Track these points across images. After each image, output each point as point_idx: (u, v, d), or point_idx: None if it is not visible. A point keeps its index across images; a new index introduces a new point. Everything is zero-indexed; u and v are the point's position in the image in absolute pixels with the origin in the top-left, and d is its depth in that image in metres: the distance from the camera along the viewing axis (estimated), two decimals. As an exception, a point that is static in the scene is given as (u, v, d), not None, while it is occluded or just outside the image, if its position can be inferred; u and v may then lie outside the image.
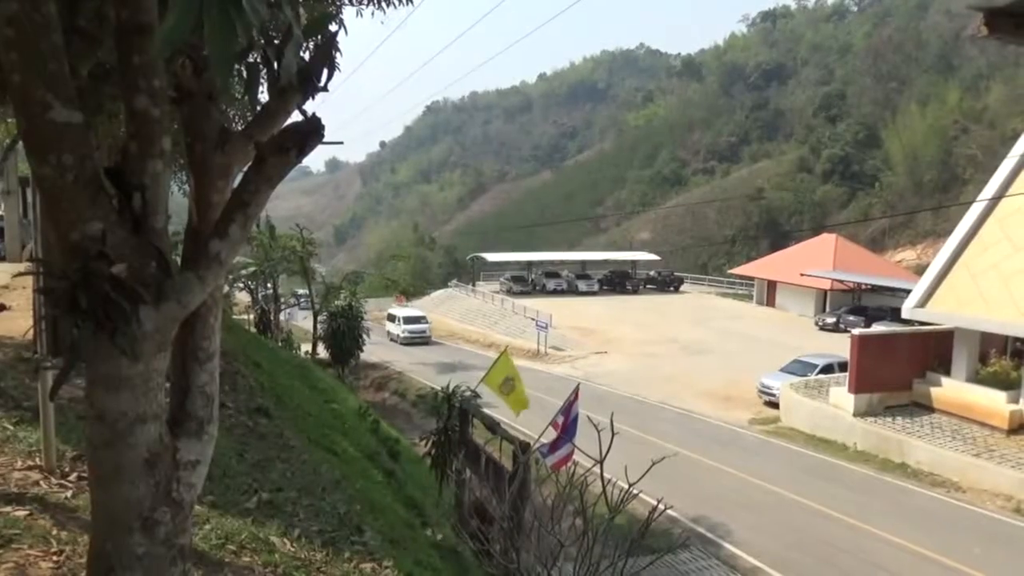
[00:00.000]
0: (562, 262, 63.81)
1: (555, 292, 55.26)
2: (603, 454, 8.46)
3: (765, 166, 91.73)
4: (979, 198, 22.30)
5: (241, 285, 38.67)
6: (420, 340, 42.60)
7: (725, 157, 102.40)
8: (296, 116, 2.73)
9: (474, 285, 57.58)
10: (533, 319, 40.30)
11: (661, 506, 8.31)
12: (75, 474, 4.51)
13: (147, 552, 2.53)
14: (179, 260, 2.65)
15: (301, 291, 40.22)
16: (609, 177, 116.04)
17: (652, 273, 61.26)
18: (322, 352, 32.36)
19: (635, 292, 57.22)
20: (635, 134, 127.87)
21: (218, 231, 2.55)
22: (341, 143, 3.05)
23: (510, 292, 53.81)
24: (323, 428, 10.38)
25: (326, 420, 11.73)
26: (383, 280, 44.24)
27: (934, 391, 21.95)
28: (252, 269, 35.83)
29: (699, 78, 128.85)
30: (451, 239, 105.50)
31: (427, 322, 44.18)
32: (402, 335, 43.22)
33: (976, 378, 21.38)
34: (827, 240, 51.29)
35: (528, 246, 74.45)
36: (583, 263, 63.45)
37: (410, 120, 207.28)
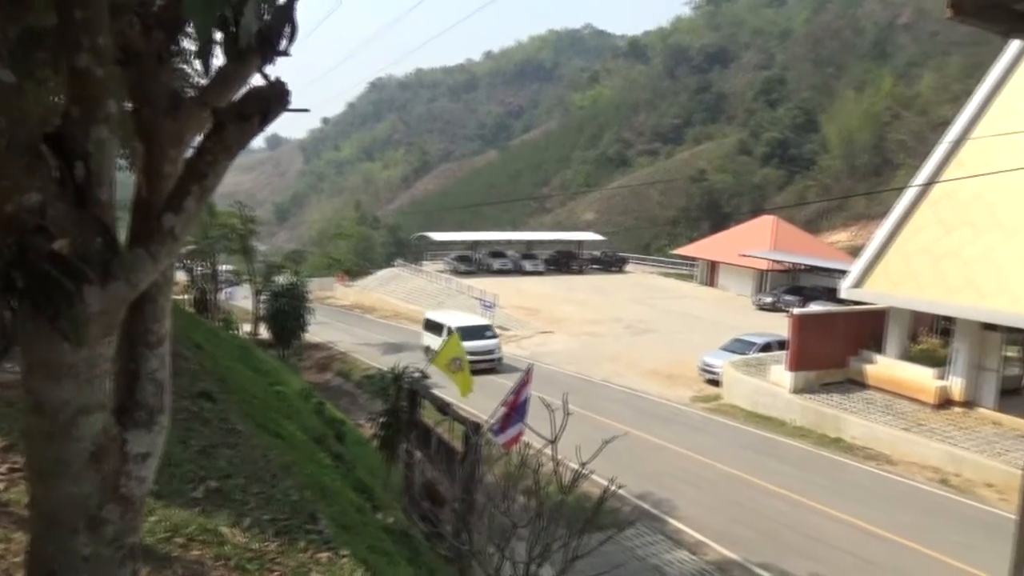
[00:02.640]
0: (508, 242, 63.77)
1: (501, 272, 55.25)
2: (556, 434, 8.49)
3: (707, 148, 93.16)
4: (912, 183, 23.05)
5: (178, 264, 37.44)
6: (488, 366, 28.13)
7: (669, 139, 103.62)
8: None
9: (419, 265, 57.10)
10: (479, 299, 40.23)
11: (613, 486, 8.41)
12: (6, 465, 4.23)
13: (94, 553, 2.34)
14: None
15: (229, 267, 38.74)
16: (555, 157, 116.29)
17: (597, 253, 61.81)
18: (263, 332, 31.66)
19: (580, 272, 57.67)
20: (581, 114, 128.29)
21: (171, 204, 2.34)
22: (307, 111, 2.85)
23: (456, 272, 53.54)
24: (268, 411, 10.09)
25: (271, 403, 11.41)
26: (326, 259, 43.05)
27: (868, 368, 22.74)
28: (190, 247, 34.71)
29: (644, 60, 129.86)
30: (395, 218, 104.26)
31: (495, 335, 30.33)
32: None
33: (907, 356, 22.24)
34: (766, 222, 52.45)
35: (474, 226, 74.17)
36: (529, 243, 63.51)
37: (353, 96, 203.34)
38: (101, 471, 2.34)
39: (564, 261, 58.70)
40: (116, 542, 2.39)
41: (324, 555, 4.34)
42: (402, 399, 13.46)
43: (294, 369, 25.23)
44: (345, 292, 53.89)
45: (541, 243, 63.93)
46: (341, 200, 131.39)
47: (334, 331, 38.33)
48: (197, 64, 2.88)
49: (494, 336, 29.98)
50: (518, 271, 55.97)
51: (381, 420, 13.63)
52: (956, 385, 20.83)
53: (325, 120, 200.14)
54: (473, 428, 9.83)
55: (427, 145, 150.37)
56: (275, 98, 2.38)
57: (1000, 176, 17.34)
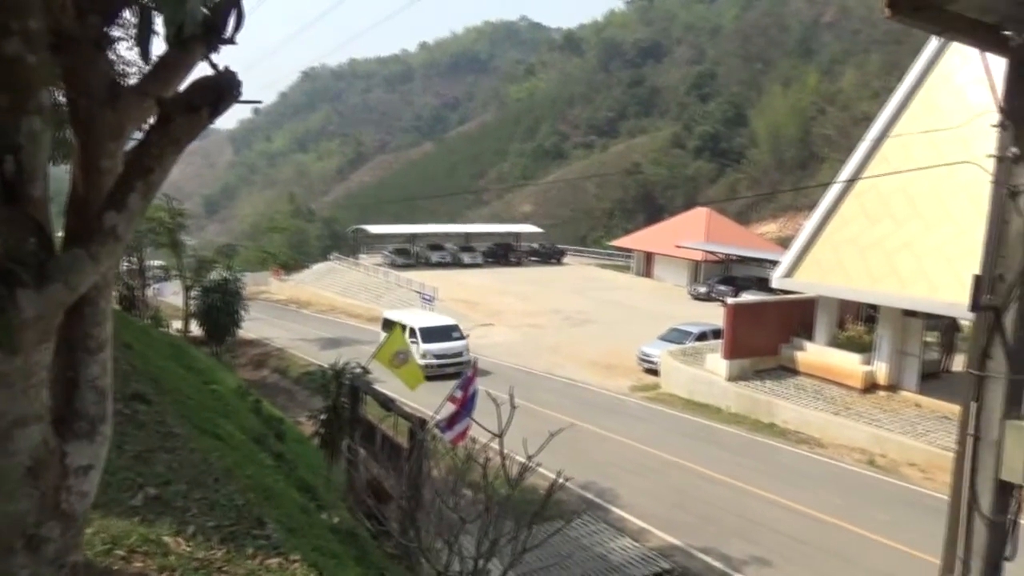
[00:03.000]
0: (446, 235, 63.45)
1: (439, 265, 54.98)
2: (503, 428, 8.48)
3: (642, 141, 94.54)
4: (838, 176, 23.88)
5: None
6: (453, 369, 25.21)
7: (604, 132, 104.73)
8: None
9: (356, 258, 56.29)
10: (418, 292, 39.94)
11: (561, 479, 8.46)
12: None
13: (33, 574, 2.19)
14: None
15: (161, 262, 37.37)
16: (491, 149, 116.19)
17: (535, 245, 62.11)
18: (195, 329, 30.68)
19: (519, 264, 57.86)
20: (517, 107, 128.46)
21: (114, 201, 2.20)
22: (259, 103, 2.73)
23: (394, 265, 53.03)
24: (205, 412, 9.76)
25: (207, 403, 11.04)
26: (260, 253, 41.83)
27: (799, 355, 23.49)
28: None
29: (579, 53, 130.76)
30: (330, 210, 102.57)
31: (463, 336, 27.87)
32: (423, 362, 23.11)
33: (835, 342, 23.04)
34: (700, 214, 53.61)
35: (411, 218, 73.57)
36: (467, 236, 63.36)
37: (285, 86, 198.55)
38: (39, 486, 2.19)
39: (503, 253, 58.78)
40: (57, 561, 2.24)
41: (274, 561, 4.21)
42: (343, 395, 13.23)
43: (228, 367, 24.54)
44: (280, 287, 52.74)
45: (479, 235, 63.84)
46: (274, 192, 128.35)
47: (269, 327, 37.46)
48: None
49: (462, 337, 27.63)
50: (457, 264, 55.79)
51: (322, 417, 13.37)
52: (881, 370, 21.71)
53: (256, 110, 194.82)
54: (419, 424, 9.72)
55: (362, 136, 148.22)
56: (225, 89, 2.26)
57: (920, 171, 18.09)
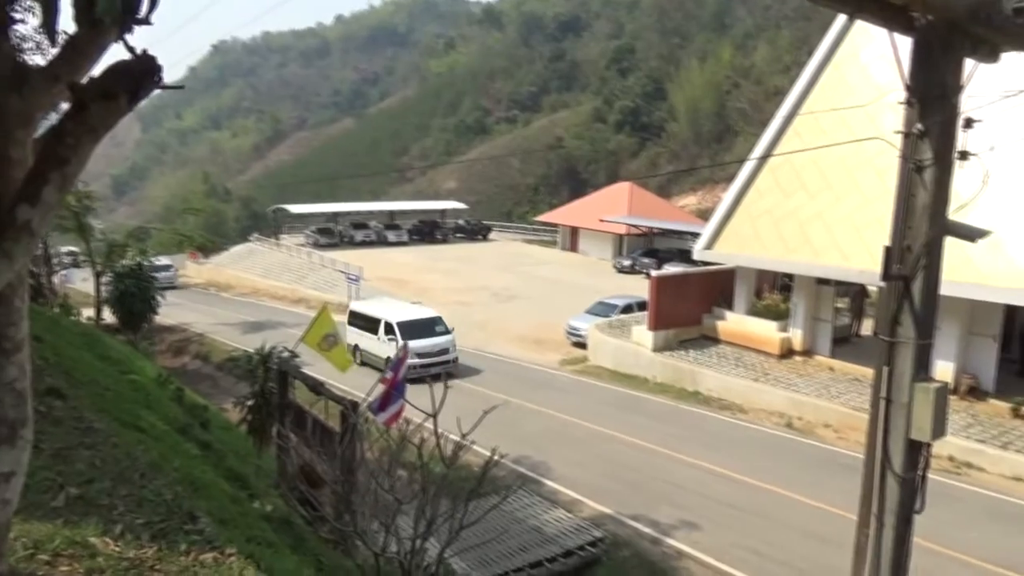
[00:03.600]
0: (370, 213, 62.51)
1: (364, 243, 54.23)
2: (436, 407, 8.47)
3: (564, 116, 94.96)
4: (753, 150, 24.62)
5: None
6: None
7: (527, 107, 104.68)
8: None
9: (277, 238, 54.86)
10: (343, 272, 39.28)
11: (496, 456, 8.53)
12: None
13: (-45, 589, 2.08)
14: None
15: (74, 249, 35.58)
16: (413, 125, 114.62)
17: (461, 222, 61.86)
18: (108, 317, 29.32)
19: (445, 241, 57.58)
20: (438, 81, 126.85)
21: (27, 194, 2.07)
22: (182, 87, 2.60)
23: (317, 245, 51.95)
24: (125, 403, 9.38)
25: (126, 394, 10.60)
26: (175, 235, 40.15)
27: (720, 324, 24.28)
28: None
29: (499, 27, 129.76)
30: (248, 190, 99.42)
31: (447, 330, 25.02)
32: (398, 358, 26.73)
33: (753, 311, 23.91)
34: (622, 188, 54.42)
35: (333, 196, 71.93)
36: (392, 213, 62.53)
37: (195, 60, 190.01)
38: (-42, 498, 2.07)
39: (428, 230, 58.36)
40: (-19, 575, 2.13)
41: (208, 556, 4.11)
42: (271, 380, 12.94)
43: (146, 355, 23.59)
44: (198, 270, 51.00)
45: (404, 213, 63.14)
46: (187, 172, 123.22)
47: (188, 312, 36.19)
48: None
49: (447, 330, 24.56)
50: (382, 242, 55.13)
51: (249, 404, 13.05)
52: (796, 336, 22.68)
53: (165, 86, 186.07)
54: (351, 407, 9.62)
55: (279, 113, 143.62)
56: (144, 74, 2.15)
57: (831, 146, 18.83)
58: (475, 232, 60.16)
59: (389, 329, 24.14)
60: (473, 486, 8.38)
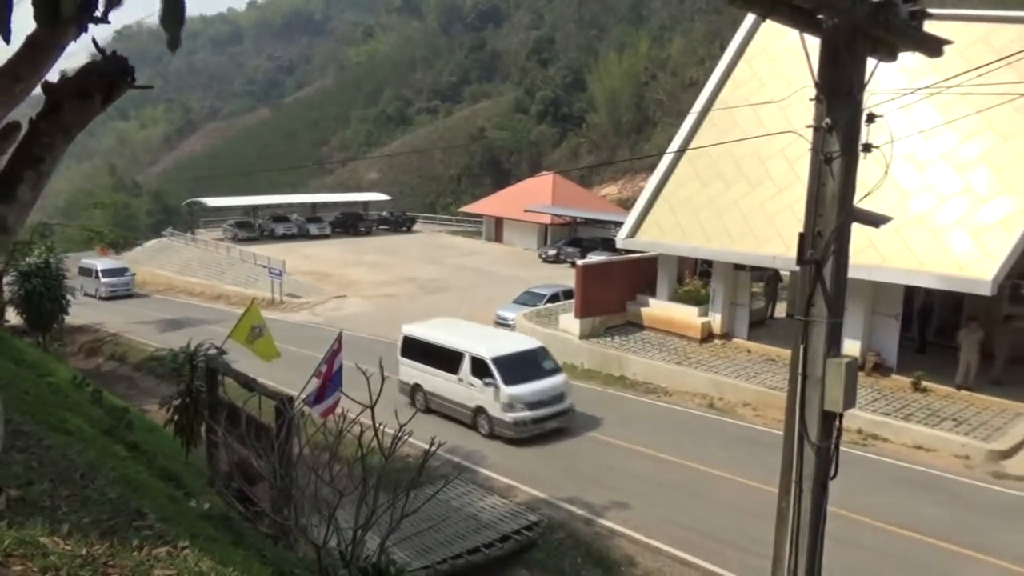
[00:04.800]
0: (290, 205, 61.21)
1: (285, 237, 53.19)
2: (374, 399, 8.56)
3: (486, 106, 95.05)
4: (672, 141, 25.39)
5: None
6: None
7: (448, 97, 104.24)
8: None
9: (193, 233, 53.12)
10: (265, 266, 38.44)
11: (434, 447, 8.68)
12: None
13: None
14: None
15: None
16: (332, 115, 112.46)
17: (385, 213, 61.36)
18: (13, 318, 27.83)
19: (368, 233, 57.02)
20: (357, 71, 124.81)
21: (1, 193, 2.11)
22: (151, 87, 2.64)
23: (236, 239, 50.65)
24: (47, 406, 9.06)
25: (47, 397, 10.22)
26: (84, 231, 38.44)
27: (644, 311, 25.01)
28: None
29: (419, 16, 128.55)
30: (159, 183, 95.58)
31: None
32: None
33: (675, 297, 24.74)
34: (546, 178, 55.03)
35: (250, 189, 69.90)
36: (313, 206, 61.42)
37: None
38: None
39: (351, 223, 57.66)
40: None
41: (161, 551, 4.13)
42: (199, 379, 12.67)
43: (59, 357, 22.59)
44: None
45: (326, 205, 62.17)
46: (92, 165, 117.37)
47: (101, 311, 34.77)
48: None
49: (557, 367, 18.78)
50: (304, 235, 54.17)
51: (176, 403, 12.74)
52: (716, 320, 23.60)
53: (63, 73, 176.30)
54: (286, 401, 9.57)
55: (190, 102, 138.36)
56: (118, 74, 2.21)
57: (742, 135, 19.64)
58: (399, 224, 59.77)
59: (480, 368, 17.81)
60: (413, 476, 8.51)
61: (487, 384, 17.41)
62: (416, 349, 19.60)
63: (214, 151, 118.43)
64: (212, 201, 56.34)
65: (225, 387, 11.89)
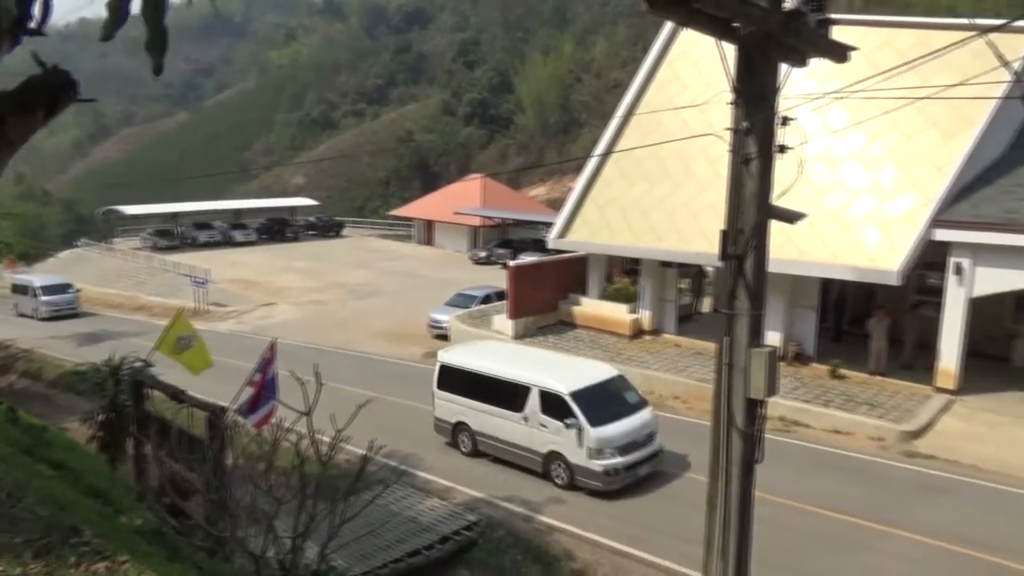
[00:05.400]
0: (213, 212, 59.48)
1: (209, 244, 51.74)
2: (310, 406, 8.53)
3: (413, 109, 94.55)
4: (597, 143, 25.90)
5: None
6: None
7: (374, 100, 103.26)
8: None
9: (110, 242, 51.06)
10: (188, 275, 37.30)
11: (372, 453, 8.71)
12: None
13: None
14: None
15: None
16: (255, 119, 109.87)
17: (312, 219, 60.31)
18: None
19: (296, 239, 55.96)
20: (280, 74, 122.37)
21: (-60, 209, 2.10)
22: (95, 100, 2.63)
23: (156, 248, 48.97)
24: (-39, 427, 8.66)
25: (-40, 417, 9.76)
26: (-11, 244, 36.46)
27: (575, 309, 25.42)
28: None
29: (342, 18, 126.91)
30: (71, 191, 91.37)
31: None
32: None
33: (605, 295, 25.24)
34: (475, 180, 55.19)
35: (170, 196, 67.64)
36: (237, 212, 59.88)
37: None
38: None
39: (278, 229, 56.46)
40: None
41: (100, 566, 4.06)
42: (123, 393, 12.29)
43: (-35, 376, 21.42)
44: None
45: (251, 211, 60.69)
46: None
47: (10, 326, 33.03)
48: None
49: (642, 400, 15.64)
50: (228, 242, 52.79)
51: (100, 419, 12.32)
52: (645, 317, 24.20)
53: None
54: (218, 411, 9.40)
55: (103, 107, 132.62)
56: (61, 88, 2.22)
57: (666, 136, 20.24)
58: (327, 229, 58.86)
59: (554, 404, 14.65)
60: (351, 481, 8.51)
61: (568, 426, 14.28)
62: (458, 380, 16.54)
63: (130, 157, 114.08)
64: (129, 209, 54.22)
65: (153, 400, 11.57)
